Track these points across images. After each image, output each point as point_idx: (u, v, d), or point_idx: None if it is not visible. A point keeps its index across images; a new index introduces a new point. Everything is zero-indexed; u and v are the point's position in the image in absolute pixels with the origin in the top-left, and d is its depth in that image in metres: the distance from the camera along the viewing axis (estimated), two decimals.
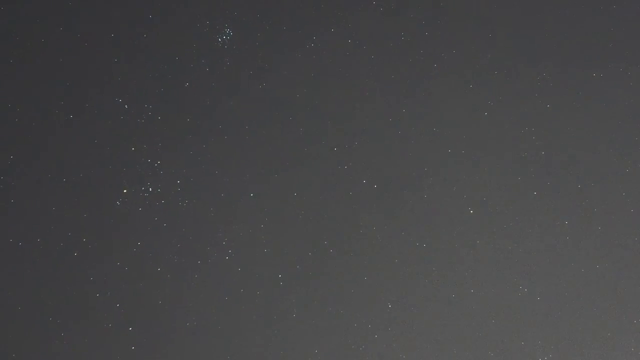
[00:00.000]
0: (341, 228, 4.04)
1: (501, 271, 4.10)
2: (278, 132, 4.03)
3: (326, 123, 4.06)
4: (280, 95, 4.04)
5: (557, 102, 4.17)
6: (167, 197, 3.94)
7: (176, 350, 3.90)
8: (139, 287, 3.90)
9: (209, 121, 3.98)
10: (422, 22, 4.11)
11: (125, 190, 3.90)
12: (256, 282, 3.98)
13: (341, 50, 4.07)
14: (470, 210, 4.12)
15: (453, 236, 4.10)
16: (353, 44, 4.07)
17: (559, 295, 4.11)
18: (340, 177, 4.06)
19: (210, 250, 3.96)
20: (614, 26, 4.20)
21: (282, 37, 4.03)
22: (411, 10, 4.11)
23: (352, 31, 4.07)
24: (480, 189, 4.12)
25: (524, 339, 4.07)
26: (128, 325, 3.88)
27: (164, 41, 3.94)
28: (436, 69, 4.12)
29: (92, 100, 3.86)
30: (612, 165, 4.16)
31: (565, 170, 4.15)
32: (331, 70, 4.07)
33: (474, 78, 4.15)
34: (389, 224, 4.07)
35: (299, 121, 4.04)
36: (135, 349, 3.86)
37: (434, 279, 4.07)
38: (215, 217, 3.97)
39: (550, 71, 4.17)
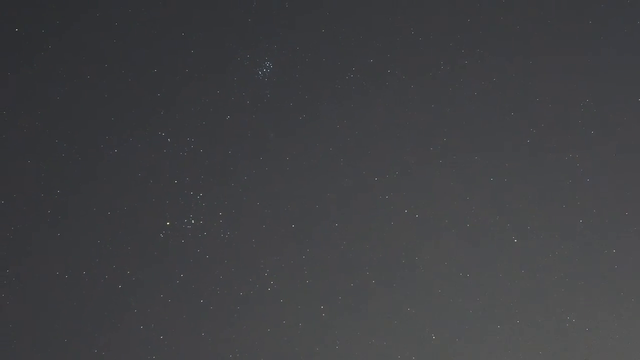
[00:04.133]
0: (383, 259, 4.02)
1: (547, 301, 4.03)
2: (319, 163, 4.05)
3: (367, 153, 4.07)
4: (321, 127, 4.06)
5: (601, 130, 4.12)
6: (210, 229, 3.97)
7: None
8: (182, 318, 3.92)
9: (250, 153, 4.01)
10: (461, 50, 4.10)
11: (168, 223, 3.94)
12: (298, 313, 3.97)
13: (380, 81, 4.08)
14: (515, 239, 4.06)
15: (496, 265, 4.04)
16: (392, 74, 4.08)
17: (607, 325, 4.01)
18: (382, 207, 4.05)
19: (252, 281, 3.97)
20: None
21: (322, 69, 4.06)
22: (450, 40, 4.11)
23: (390, 61, 4.08)
24: (523, 218, 4.07)
25: None
26: (172, 357, 3.89)
27: (206, 75, 4.00)
28: (477, 97, 4.11)
29: (135, 133, 3.93)
30: None
31: (610, 197, 4.08)
32: (371, 101, 4.08)
33: (514, 106, 4.12)
34: (431, 254, 4.03)
35: (340, 152, 4.05)
36: None
37: (477, 309, 4.01)
38: (257, 249, 3.99)
39: (593, 98, 4.12)
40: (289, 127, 4.04)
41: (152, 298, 3.90)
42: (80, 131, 3.91)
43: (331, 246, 4.02)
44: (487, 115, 4.11)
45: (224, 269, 3.96)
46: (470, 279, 4.03)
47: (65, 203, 3.87)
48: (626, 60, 4.13)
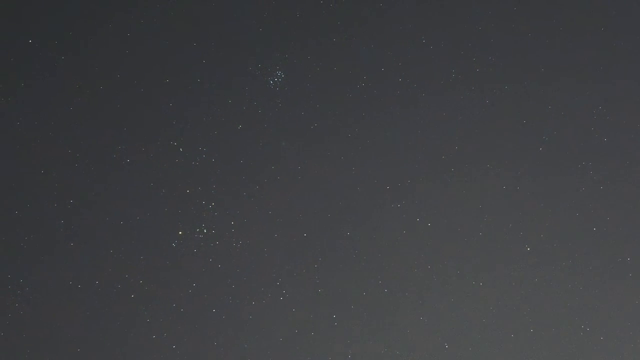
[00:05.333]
0: (395, 267, 4.01)
1: (561, 309, 4.00)
2: (330, 172, 4.05)
3: (378, 162, 4.06)
4: (332, 136, 4.06)
5: (614, 137, 4.10)
6: (222, 238, 3.97)
7: None
8: (194, 328, 3.92)
9: (261, 162, 4.02)
10: (472, 58, 4.10)
11: (180, 232, 3.95)
12: (310, 322, 3.96)
13: (391, 89, 4.08)
14: (528, 247, 4.04)
15: (509, 274, 4.02)
16: (403, 82, 4.08)
17: (622, 334, 3.98)
18: (394, 215, 4.04)
19: (264, 290, 3.96)
20: None
21: (333, 78, 4.07)
22: (461, 48, 4.11)
23: (402, 69, 4.08)
24: (536, 226, 4.05)
25: None
26: None
27: (217, 84, 4.02)
28: (488, 105, 4.10)
29: (147, 144, 3.95)
30: None
31: (624, 204, 4.06)
32: (382, 109, 4.08)
33: (526, 113, 4.11)
34: (443, 263, 4.02)
35: (351, 160, 4.05)
36: None
37: (491, 318, 3.99)
38: (269, 258, 3.99)
39: (606, 105, 4.11)
40: (300, 136, 4.05)
41: (164, 307, 3.91)
42: (93, 141, 3.93)
43: (343, 255, 4.02)
44: (499, 123, 4.10)
45: (236, 278, 3.96)
46: (483, 288, 4.01)
47: (77, 213, 3.89)
48: None
